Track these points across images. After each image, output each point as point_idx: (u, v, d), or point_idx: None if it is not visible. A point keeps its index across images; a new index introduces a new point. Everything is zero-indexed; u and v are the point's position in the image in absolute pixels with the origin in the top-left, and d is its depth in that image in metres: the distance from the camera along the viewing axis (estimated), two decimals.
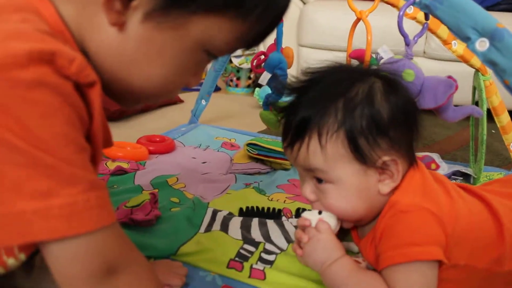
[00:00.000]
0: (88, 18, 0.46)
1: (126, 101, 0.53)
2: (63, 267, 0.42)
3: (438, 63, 2.25)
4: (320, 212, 0.69)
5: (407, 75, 0.91)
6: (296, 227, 0.88)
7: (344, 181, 0.65)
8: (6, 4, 0.44)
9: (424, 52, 2.28)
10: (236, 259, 0.81)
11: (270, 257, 0.83)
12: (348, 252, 0.70)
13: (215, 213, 0.97)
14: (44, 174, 0.39)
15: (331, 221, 0.69)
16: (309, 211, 0.70)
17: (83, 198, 0.40)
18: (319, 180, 0.67)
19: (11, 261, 0.48)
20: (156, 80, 0.50)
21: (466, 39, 0.74)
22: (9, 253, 0.48)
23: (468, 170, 1.33)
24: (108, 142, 0.52)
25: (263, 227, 0.93)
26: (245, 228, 0.92)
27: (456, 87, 0.99)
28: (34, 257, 0.55)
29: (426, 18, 1.05)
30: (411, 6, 1.05)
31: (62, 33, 0.45)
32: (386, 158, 0.64)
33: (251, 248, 0.85)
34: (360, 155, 0.64)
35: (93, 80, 0.43)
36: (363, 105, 0.64)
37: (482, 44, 0.72)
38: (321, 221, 0.68)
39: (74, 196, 0.40)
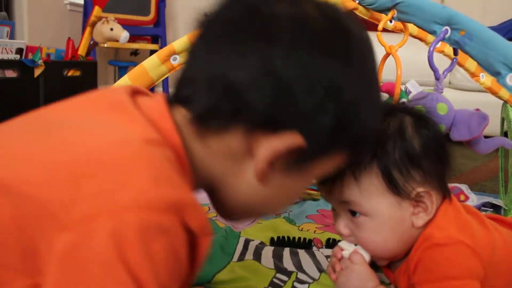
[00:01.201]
0: (232, 169, 0.51)
1: (237, 220, 0.61)
2: None
3: (463, 94, 2.25)
4: (356, 244, 0.70)
5: (441, 109, 0.93)
6: (327, 257, 0.89)
7: (378, 213, 0.66)
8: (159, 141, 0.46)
9: (450, 83, 2.28)
10: None
11: (303, 287, 0.84)
12: (381, 283, 0.70)
13: (247, 242, 0.99)
14: None
15: (365, 252, 0.70)
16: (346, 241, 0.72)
17: None
18: (353, 213, 0.68)
19: None
20: (276, 208, 0.62)
21: (496, 74, 0.75)
22: None
23: (498, 202, 1.32)
24: None
25: (294, 257, 0.94)
26: (277, 258, 0.93)
27: None
28: None
29: (455, 53, 1.06)
30: None
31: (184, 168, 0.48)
32: (420, 189, 0.65)
33: (284, 277, 0.86)
34: (394, 187, 0.65)
35: (209, 232, 0.45)
36: (395, 138, 0.65)
37: None
38: (355, 252, 0.70)
39: None
